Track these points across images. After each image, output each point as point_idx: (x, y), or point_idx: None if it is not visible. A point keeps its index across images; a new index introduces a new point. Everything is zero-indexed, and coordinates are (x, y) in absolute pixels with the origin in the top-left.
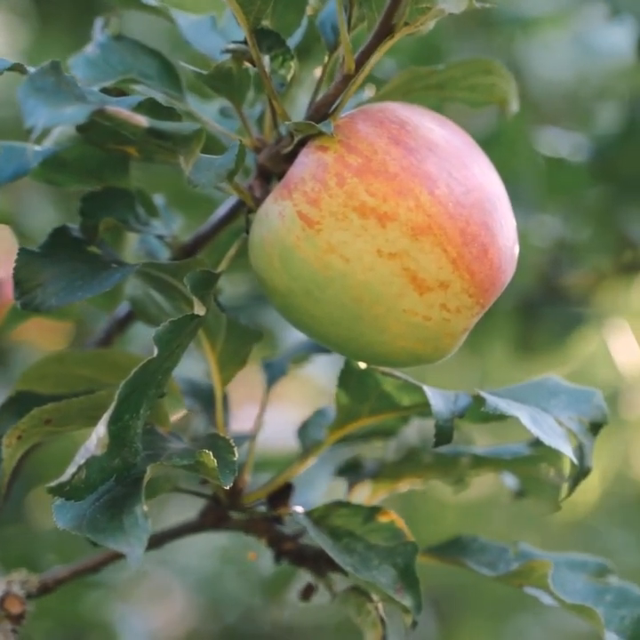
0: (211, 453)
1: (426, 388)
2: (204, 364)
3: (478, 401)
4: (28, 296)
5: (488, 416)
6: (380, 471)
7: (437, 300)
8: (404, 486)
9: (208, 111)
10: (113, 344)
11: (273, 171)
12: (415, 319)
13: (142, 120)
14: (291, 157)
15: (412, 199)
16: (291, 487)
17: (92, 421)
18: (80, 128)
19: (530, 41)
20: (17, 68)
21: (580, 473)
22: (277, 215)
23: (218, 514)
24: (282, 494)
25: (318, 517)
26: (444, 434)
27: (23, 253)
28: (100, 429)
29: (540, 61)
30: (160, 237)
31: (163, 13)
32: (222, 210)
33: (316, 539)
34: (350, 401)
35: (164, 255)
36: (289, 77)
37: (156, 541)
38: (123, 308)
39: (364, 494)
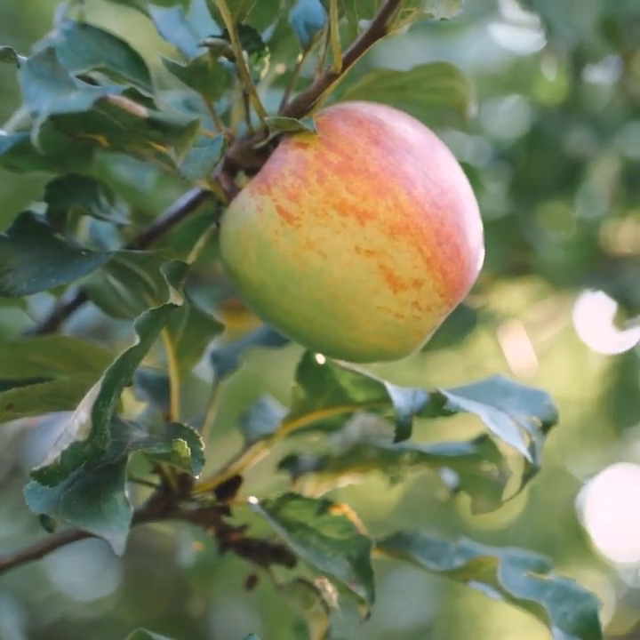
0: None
1: (387, 385)
2: (161, 353)
3: (435, 398)
4: None
5: (436, 413)
6: (324, 465)
7: (410, 298)
8: (346, 480)
9: (173, 103)
10: (59, 330)
11: (241, 165)
12: (388, 316)
13: (142, 110)
14: (261, 152)
15: (391, 198)
16: (239, 479)
17: (52, 407)
18: (51, 115)
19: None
20: (6, 54)
21: (532, 471)
22: (255, 209)
23: (166, 503)
24: (230, 486)
25: (272, 508)
26: (404, 429)
27: None
28: (83, 415)
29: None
30: (120, 226)
31: (134, 3)
32: (182, 201)
33: (275, 529)
34: (307, 395)
35: (113, 244)
36: (263, 73)
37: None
38: (70, 294)
39: (306, 487)
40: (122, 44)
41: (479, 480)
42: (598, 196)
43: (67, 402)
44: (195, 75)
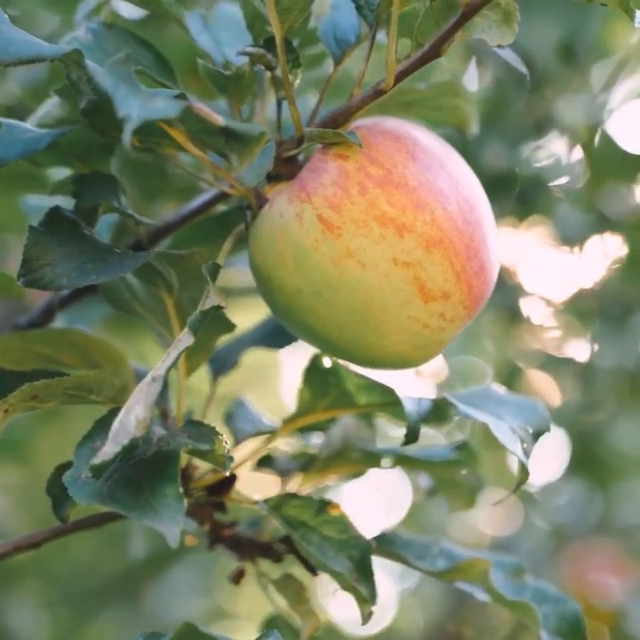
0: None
1: (397, 391)
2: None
3: (439, 404)
4: (36, 274)
5: (438, 419)
6: (310, 465)
7: (438, 309)
8: (330, 481)
9: None
10: (54, 322)
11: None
12: (416, 326)
13: (219, 119)
14: (288, 161)
15: (428, 213)
16: (234, 477)
17: (70, 400)
18: (85, 113)
19: None
20: (73, 56)
21: (525, 476)
22: (294, 216)
23: None
24: (227, 483)
25: (274, 506)
26: (413, 433)
27: (33, 231)
28: (140, 411)
29: None
30: (137, 223)
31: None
32: (195, 203)
33: (283, 528)
34: (310, 396)
35: (108, 238)
36: (296, 83)
37: (100, 521)
38: None
39: (290, 488)
40: (148, 46)
41: (456, 484)
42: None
43: (85, 395)
44: (231, 82)
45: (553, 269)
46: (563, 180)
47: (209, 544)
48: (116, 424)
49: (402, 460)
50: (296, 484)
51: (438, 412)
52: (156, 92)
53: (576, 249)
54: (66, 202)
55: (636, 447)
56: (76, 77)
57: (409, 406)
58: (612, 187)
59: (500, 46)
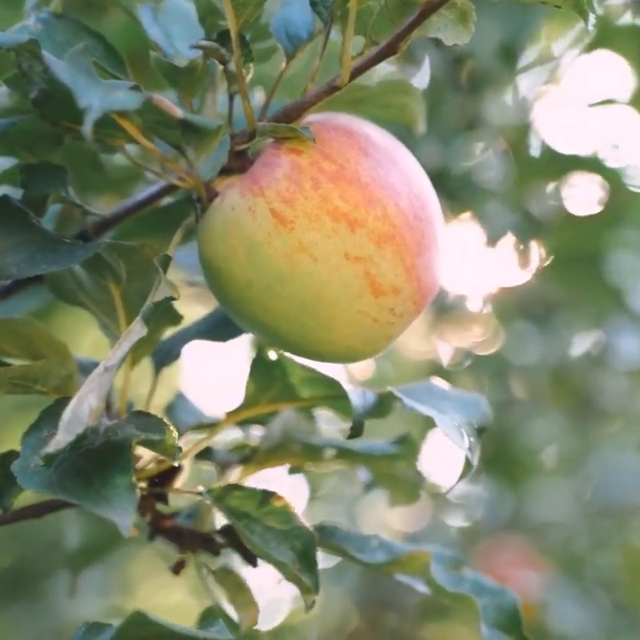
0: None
1: (344, 384)
2: (113, 340)
3: (383, 398)
4: None
5: (381, 412)
6: (250, 458)
7: (388, 304)
8: (269, 473)
9: None
10: None
11: None
12: (366, 320)
13: (178, 111)
14: (238, 155)
15: (380, 209)
16: (178, 468)
17: (14, 389)
18: (35, 103)
19: None
20: (28, 45)
21: (469, 469)
22: (247, 210)
23: None
24: (170, 474)
25: (216, 497)
26: (358, 427)
27: None
28: (93, 401)
29: None
30: (85, 213)
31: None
32: (141, 195)
33: (227, 518)
34: (255, 389)
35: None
36: (248, 78)
37: (38, 512)
38: None
39: (229, 479)
40: (98, 37)
41: (395, 478)
42: None
43: (31, 385)
44: (183, 74)
45: (477, 267)
46: (492, 179)
47: (149, 535)
48: (67, 413)
49: (342, 454)
50: (235, 477)
51: (382, 405)
52: (112, 84)
53: (501, 247)
54: (11, 192)
55: (549, 445)
56: (27, 67)
57: (355, 400)
58: (540, 186)
59: (454, 45)
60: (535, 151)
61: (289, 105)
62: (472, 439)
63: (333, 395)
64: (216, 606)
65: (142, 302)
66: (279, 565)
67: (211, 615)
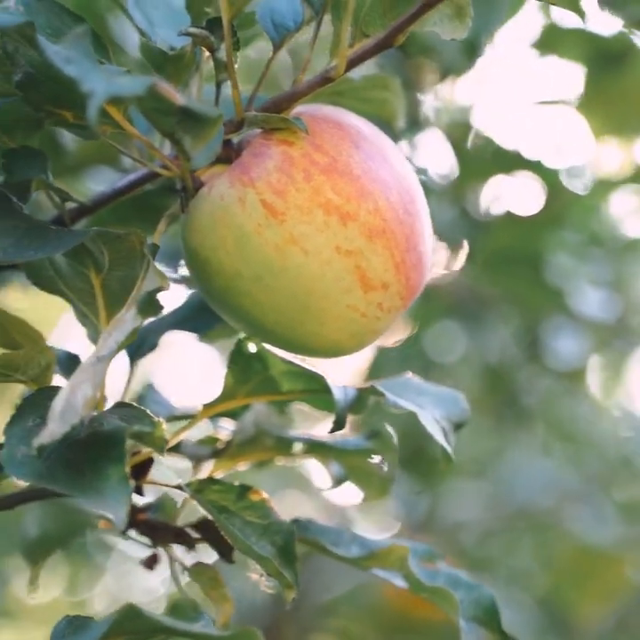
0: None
1: (326, 379)
2: (93, 332)
3: (363, 393)
4: None
5: (361, 407)
6: (222, 451)
7: (377, 299)
8: (241, 466)
9: None
10: None
11: None
12: (354, 315)
13: (179, 98)
14: (226, 144)
15: (372, 202)
16: (152, 460)
17: None
18: (20, 86)
19: None
20: (24, 28)
21: (448, 466)
22: (236, 200)
23: None
24: (144, 466)
25: (195, 491)
26: (340, 421)
27: None
28: (88, 390)
29: None
30: (64, 200)
31: None
32: (121, 182)
33: (207, 512)
34: (233, 382)
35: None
36: (236, 66)
37: (10, 503)
38: None
39: (202, 473)
40: (81, 20)
41: (367, 472)
42: None
43: (11, 374)
44: (170, 62)
45: None
46: (434, 176)
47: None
48: (59, 403)
49: (315, 448)
50: (207, 471)
51: (362, 400)
52: (110, 68)
53: (438, 244)
54: None
55: (465, 446)
56: (12, 49)
57: (337, 394)
58: (482, 184)
59: (452, 40)
60: (477, 149)
61: (280, 95)
62: (450, 435)
63: (312, 389)
64: (184, 599)
65: (123, 291)
66: (261, 560)
67: (177, 608)
